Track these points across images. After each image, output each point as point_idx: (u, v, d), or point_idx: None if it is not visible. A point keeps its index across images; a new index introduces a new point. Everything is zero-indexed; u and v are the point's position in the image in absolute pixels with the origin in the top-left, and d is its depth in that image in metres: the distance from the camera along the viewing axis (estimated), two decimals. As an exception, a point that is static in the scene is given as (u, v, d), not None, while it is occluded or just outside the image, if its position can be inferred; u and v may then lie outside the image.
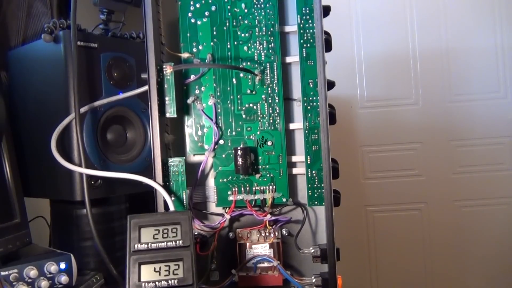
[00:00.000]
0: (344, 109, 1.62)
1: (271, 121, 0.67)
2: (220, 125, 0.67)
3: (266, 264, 0.65)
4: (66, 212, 0.71)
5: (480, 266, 1.63)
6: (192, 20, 0.67)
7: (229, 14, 0.67)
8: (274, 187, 0.66)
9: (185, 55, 0.67)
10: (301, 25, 0.65)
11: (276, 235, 0.66)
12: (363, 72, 1.65)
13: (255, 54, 0.67)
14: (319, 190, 0.65)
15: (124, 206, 0.76)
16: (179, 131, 0.68)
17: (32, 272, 0.57)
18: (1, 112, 0.66)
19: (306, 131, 0.65)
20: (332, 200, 0.61)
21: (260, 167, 0.66)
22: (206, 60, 0.67)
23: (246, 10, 0.67)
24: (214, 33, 0.67)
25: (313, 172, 0.65)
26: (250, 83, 0.67)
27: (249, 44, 0.67)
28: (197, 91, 0.67)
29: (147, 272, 0.51)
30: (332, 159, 0.63)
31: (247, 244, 0.66)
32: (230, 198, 0.66)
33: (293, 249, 0.66)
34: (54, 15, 0.85)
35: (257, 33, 0.67)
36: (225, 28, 0.67)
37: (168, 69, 0.63)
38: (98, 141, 0.68)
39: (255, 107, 0.67)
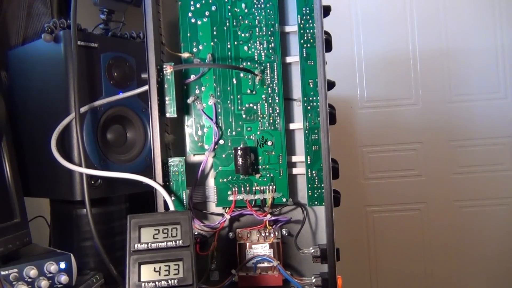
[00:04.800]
0: (344, 109, 1.62)
1: (271, 121, 0.66)
2: (220, 125, 0.67)
3: (266, 264, 0.65)
4: (66, 211, 0.71)
5: (480, 266, 1.63)
6: (192, 20, 0.67)
7: (229, 14, 0.67)
8: (274, 187, 0.66)
9: (185, 55, 0.67)
10: (301, 25, 0.65)
11: (276, 235, 0.66)
12: (363, 72, 1.65)
13: (255, 54, 0.67)
14: (319, 190, 0.65)
15: (124, 206, 0.76)
16: (179, 131, 0.68)
17: (32, 272, 0.57)
18: (1, 112, 0.66)
19: (306, 131, 0.65)
20: (332, 200, 0.61)
21: (260, 167, 0.66)
22: (206, 60, 0.66)
23: (246, 10, 0.67)
24: (214, 33, 0.67)
25: (313, 172, 0.65)
26: (250, 83, 0.67)
27: (249, 44, 0.67)
28: (197, 91, 0.67)
29: (147, 272, 0.51)
30: (332, 159, 0.63)
31: (247, 244, 0.66)
32: (230, 198, 0.66)
33: (293, 249, 0.66)
34: (54, 15, 0.85)
35: (257, 33, 0.67)
36: (225, 28, 0.67)
37: (168, 69, 0.63)
38: (98, 141, 0.68)
39: (255, 107, 0.67)
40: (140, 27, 0.64)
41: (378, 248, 1.66)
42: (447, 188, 1.63)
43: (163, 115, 0.63)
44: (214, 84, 0.67)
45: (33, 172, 0.74)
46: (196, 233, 0.66)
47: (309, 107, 0.65)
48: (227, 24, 0.67)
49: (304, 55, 0.65)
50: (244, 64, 0.67)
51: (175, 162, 0.63)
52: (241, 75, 0.67)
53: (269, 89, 0.67)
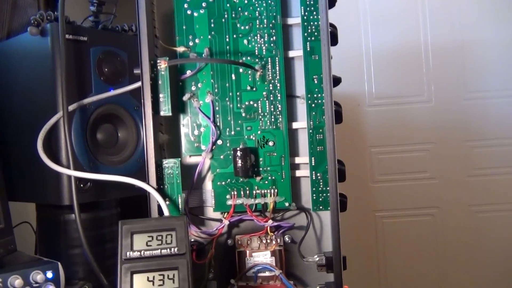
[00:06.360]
0: (351, 107, 1.62)
1: (272, 119, 0.67)
2: (218, 124, 0.67)
3: (267, 273, 0.65)
4: (53, 217, 0.71)
5: (497, 275, 1.62)
6: (188, 12, 0.67)
7: (228, 5, 0.67)
8: (276, 190, 0.66)
9: (180, 49, 0.67)
10: (305, 17, 0.66)
11: (278, 242, 0.66)
12: (371, 68, 1.65)
13: (256, 48, 0.67)
14: (324, 194, 0.65)
15: (115, 211, 0.76)
16: (174, 130, 0.68)
17: (17, 282, 0.57)
18: (-16, 110, 0.66)
19: (311, 131, 0.65)
20: (338, 205, 0.61)
21: (261, 169, 0.66)
22: (203, 55, 0.67)
23: (246, 1, 0.67)
24: (212, 25, 0.67)
25: (318, 174, 0.65)
26: (250, 79, 0.67)
27: (249, 37, 0.67)
28: (193, 88, 0.67)
29: (140, 282, 0.51)
30: (338, 161, 0.63)
31: (247, 251, 0.66)
32: (229, 202, 0.66)
33: (297, 257, 0.66)
34: (41, 7, 0.85)
35: (257, 26, 0.67)
36: (223, 20, 0.67)
37: (162, 64, 0.63)
38: (88, 141, 0.69)
39: (255, 105, 0.67)
40: (133, 19, 0.64)
41: (388, 256, 1.66)
42: (461, 192, 1.63)
43: (157, 114, 0.63)
44: (212, 80, 0.67)
45: (18, 175, 0.74)
46: (192, 240, 0.66)
47: (313, 105, 0.65)
48: (226, 16, 0.67)
49: (308, 49, 0.65)
50: (244, 58, 0.67)
51: (169, 163, 0.63)
52: (241, 70, 0.67)
53: (271, 85, 0.67)
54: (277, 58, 0.67)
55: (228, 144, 0.67)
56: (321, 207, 0.65)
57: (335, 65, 0.63)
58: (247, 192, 0.66)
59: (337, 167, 0.62)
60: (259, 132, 0.67)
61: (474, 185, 1.63)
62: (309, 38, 0.66)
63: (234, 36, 0.67)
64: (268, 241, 0.66)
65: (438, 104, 1.63)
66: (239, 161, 0.64)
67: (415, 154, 1.64)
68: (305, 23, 0.66)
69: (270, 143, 0.67)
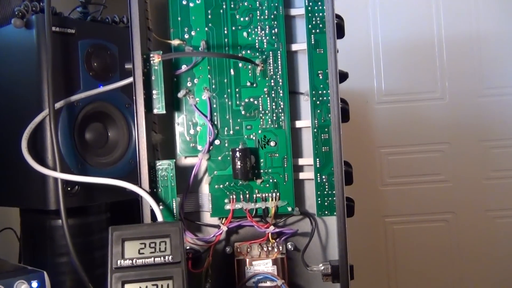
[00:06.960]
0: (358, 104, 1.62)
1: (274, 118, 0.67)
2: (215, 122, 0.67)
3: (268, 283, 0.65)
4: (38, 223, 0.72)
5: (517, 285, 1.63)
6: (184, 2, 0.67)
7: (226, -5, 0.67)
8: (277, 194, 0.66)
9: (175, 42, 0.67)
10: (309, 8, 0.66)
11: (280, 249, 0.66)
12: (381, 62, 1.65)
13: (256, 41, 0.67)
14: (330, 198, 0.65)
15: (105, 216, 0.76)
16: (168, 129, 0.68)
17: (0, 292, 0.57)
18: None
19: (315, 130, 0.65)
20: (345, 210, 0.62)
21: (261, 171, 0.66)
22: (200, 48, 0.67)
23: (245, -9, 0.67)
24: (209, 16, 0.67)
25: (323, 177, 0.65)
26: (250, 75, 0.67)
27: (249, 30, 0.67)
28: (189, 84, 0.67)
29: (132, 292, 0.51)
30: (345, 162, 0.63)
31: (247, 260, 0.66)
32: (227, 207, 0.66)
33: (300, 266, 0.66)
34: (25, -3, 0.85)
35: (258, 17, 0.67)
36: (221, 11, 0.67)
37: (156, 58, 0.63)
38: (76, 142, 0.69)
39: (256, 102, 0.67)
40: (124, 10, 0.65)
41: (398, 265, 1.66)
42: (478, 196, 1.63)
43: (150, 112, 0.63)
44: (209, 76, 0.67)
45: (0, 177, 0.74)
46: (188, 247, 0.66)
47: (318, 102, 0.65)
48: (224, 6, 0.67)
49: (313, 42, 0.66)
50: (243, 52, 0.67)
51: (163, 165, 0.63)
52: (240, 65, 0.67)
53: (272, 81, 0.67)
54: (279, 51, 0.67)
55: (226, 144, 0.67)
56: (326, 212, 0.65)
57: (342, 59, 0.64)
58: (247, 196, 0.66)
59: (344, 169, 0.62)
60: (259, 131, 0.67)
61: (491, 189, 1.62)
62: (313, 31, 0.66)
63: (233, 28, 0.67)
64: (270, 248, 0.66)
65: (453, 101, 1.63)
66: (238, 163, 0.64)
67: (427, 155, 1.64)
68: (309, 14, 0.66)
69: (272, 143, 0.67)
